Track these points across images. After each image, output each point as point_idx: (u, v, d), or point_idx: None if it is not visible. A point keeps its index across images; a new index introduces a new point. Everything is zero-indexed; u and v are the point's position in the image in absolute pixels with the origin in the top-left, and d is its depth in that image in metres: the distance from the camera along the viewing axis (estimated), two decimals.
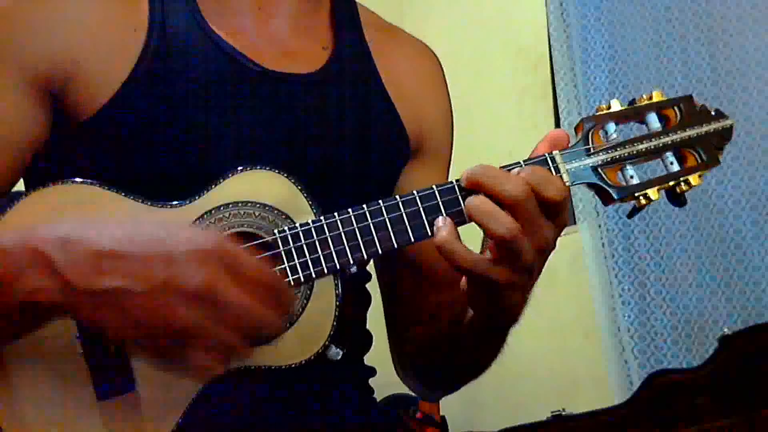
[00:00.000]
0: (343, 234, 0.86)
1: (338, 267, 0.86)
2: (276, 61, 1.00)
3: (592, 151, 0.90)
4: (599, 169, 0.90)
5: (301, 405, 0.97)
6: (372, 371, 1.10)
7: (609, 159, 0.90)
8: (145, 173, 0.92)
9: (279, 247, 0.86)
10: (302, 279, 0.86)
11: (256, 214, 0.88)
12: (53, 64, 0.91)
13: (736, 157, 2.20)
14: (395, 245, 0.87)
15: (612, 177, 0.91)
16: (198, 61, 0.96)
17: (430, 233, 0.86)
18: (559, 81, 2.49)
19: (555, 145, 0.88)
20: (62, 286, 0.74)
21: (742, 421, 1.82)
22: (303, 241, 0.86)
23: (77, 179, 0.86)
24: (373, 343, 1.11)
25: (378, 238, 0.86)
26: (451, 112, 1.17)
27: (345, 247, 0.86)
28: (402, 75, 1.10)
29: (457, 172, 1.16)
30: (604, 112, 0.91)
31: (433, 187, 0.87)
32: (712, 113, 0.94)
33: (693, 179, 0.92)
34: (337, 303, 0.88)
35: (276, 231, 0.87)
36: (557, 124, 2.47)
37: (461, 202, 0.86)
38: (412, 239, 0.87)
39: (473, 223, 0.83)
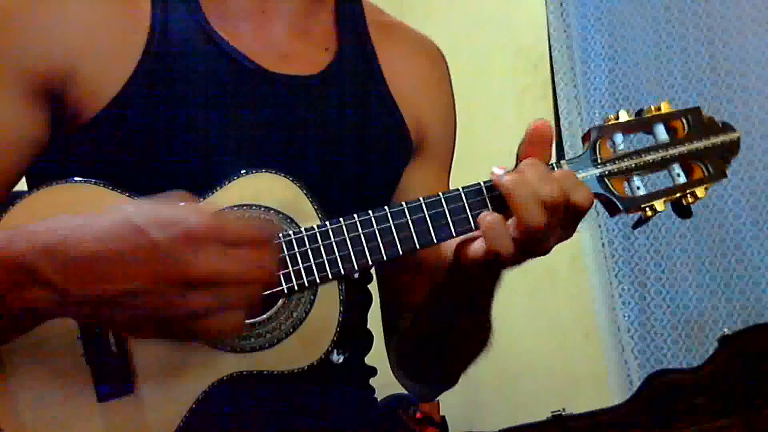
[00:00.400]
0: (348, 239, 0.86)
1: (343, 273, 0.86)
2: (278, 63, 0.99)
3: (599, 161, 0.90)
4: (606, 180, 0.90)
5: (302, 405, 0.96)
6: (373, 371, 1.10)
7: (616, 170, 0.90)
8: (145, 175, 0.91)
9: (283, 252, 0.86)
10: (306, 284, 0.86)
11: (261, 217, 0.88)
12: (53, 65, 0.91)
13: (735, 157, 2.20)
14: (400, 252, 0.87)
15: (618, 188, 0.91)
16: (199, 62, 0.95)
17: (435, 240, 0.86)
18: (559, 81, 2.49)
19: (538, 140, 0.88)
20: (60, 295, 0.72)
21: (742, 421, 1.82)
22: (308, 245, 0.86)
23: (78, 178, 0.86)
24: (374, 343, 1.11)
25: (383, 245, 0.86)
26: (455, 110, 1.16)
27: (350, 253, 0.86)
28: (406, 73, 1.09)
29: (457, 173, 1.16)
30: (612, 122, 0.91)
31: (440, 194, 0.87)
32: (720, 125, 0.94)
33: (699, 192, 0.92)
34: (341, 309, 0.88)
35: (280, 235, 0.86)
36: (557, 124, 2.47)
37: (468, 209, 0.87)
38: (418, 246, 0.87)
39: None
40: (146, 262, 0.72)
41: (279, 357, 0.86)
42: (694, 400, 1.87)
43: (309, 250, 0.86)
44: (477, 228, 0.86)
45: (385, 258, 0.86)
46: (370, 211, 0.87)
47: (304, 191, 0.89)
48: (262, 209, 0.88)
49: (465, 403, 2.60)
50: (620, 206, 0.90)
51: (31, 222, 0.80)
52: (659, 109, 0.93)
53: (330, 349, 0.87)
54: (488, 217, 0.85)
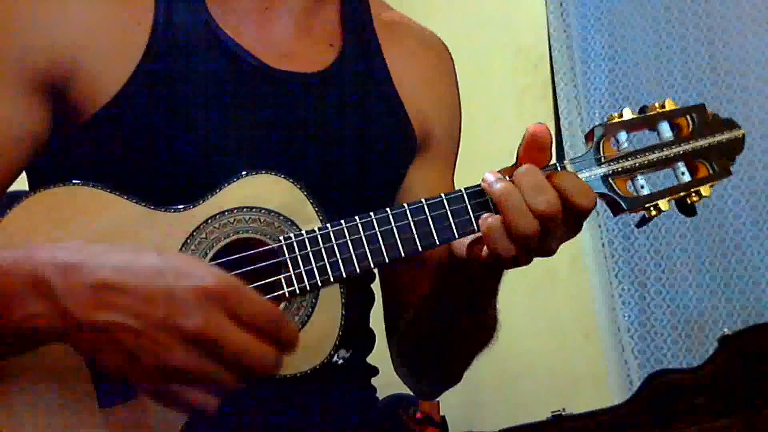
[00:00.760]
0: (349, 242, 0.86)
1: (344, 276, 0.86)
2: (282, 60, 0.99)
3: (602, 160, 0.89)
4: (610, 179, 0.89)
5: (303, 405, 0.96)
6: (375, 370, 1.09)
7: (620, 169, 0.89)
8: (147, 173, 0.91)
9: (285, 255, 0.85)
10: (308, 287, 0.85)
11: (261, 219, 0.87)
12: (54, 62, 0.91)
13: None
14: (402, 254, 0.86)
15: (622, 187, 0.90)
16: (203, 60, 0.95)
17: (438, 242, 0.86)
18: (559, 81, 2.49)
19: (536, 145, 0.87)
20: (61, 314, 0.73)
21: (742, 421, 1.82)
22: (309, 248, 0.86)
23: (78, 181, 0.85)
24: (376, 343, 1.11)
25: (385, 247, 0.86)
26: (460, 107, 1.16)
27: (352, 256, 0.85)
28: (411, 69, 1.09)
29: (457, 173, 1.16)
30: (616, 120, 0.90)
31: (441, 195, 0.87)
32: (724, 123, 0.93)
33: (704, 190, 0.91)
34: (343, 312, 0.87)
35: (282, 238, 0.86)
36: (557, 124, 2.47)
37: (470, 211, 0.86)
38: (420, 248, 0.86)
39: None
40: (153, 302, 0.72)
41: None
42: (694, 400, 1.87)
43: (310, 253, 0.86)
44: (479, 229, 0.86)
45: (387, 260, 0.86)
46: (371, 213, 0.86)
47: (305, 193, 0.89)
48: (263, 211, 0.87)
49: (465, 403, 2.60)
50: (624, 206, 0.89)
51: (30, 225, 0.80)
52: (663, 106, 0.92)
53: (333, 352, 0.87)
54: (489, 219, 0.85)
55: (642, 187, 0.90)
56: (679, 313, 2.33)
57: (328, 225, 0.86)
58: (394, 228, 0.86)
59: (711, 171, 0.92)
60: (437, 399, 2.50)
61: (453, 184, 1.14)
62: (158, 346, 0.72)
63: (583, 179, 0.88)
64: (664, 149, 0.91)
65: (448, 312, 0.99)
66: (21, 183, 0.97)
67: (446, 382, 1.14)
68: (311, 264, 0.85)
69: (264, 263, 0.86)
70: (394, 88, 1.06)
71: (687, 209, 0.92)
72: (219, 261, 0.85)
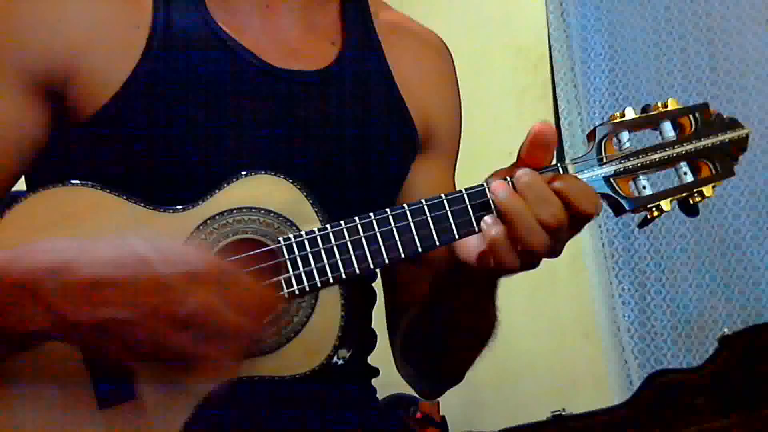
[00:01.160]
0: (349, 243, 0.85)
1: (344, 277, 0.85)
2: (283, 58, 0.98)
3: (604, 160, 0.89)
4: (612, 180, 0.89)
5: (303, 405, 0.96)
6: (375, 371, 1.09)
7: (622, 169, 0.89)
8: (146, 173, 0.91)
9: (284, 255, 0.85)
10: (307, 288, 0.85)
11: (261, 220, 0.87)
12: (53, 63, 0.90)
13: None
14: (402, 255, 0.86)
15: (624, 187, 0.89)
16: (203, 58, 0.94)
17: (438, 243, 0.86)
18: (559, 81, 2.49)
19: (541, 143, 0.87)
20: (55, 316, 0.73)
21: (742, 421, 1.83)
22: (309, 249, 0.85)
23: (76, 182, 0.85)
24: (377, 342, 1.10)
25: (385, 248, 0.85)
26: (460, 106, 1.15)
27: (351, 257, 0.85)
28: (412, 68, 1.08)
29: (456, 173, 1.15)
30: (618, 120, 0.89)
31: (442, 195, 0.86)
32: (728, 122, 0.92)
33: (706, 190, 0.90)
34: (343, 313, 0.87)
35: (281, 239, 0.86)
36: (557, 125, 2.47)
37: (471, 212, 0.86)
38: (420, 249, 0.86)
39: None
40: (145, 292, 0.73)
41: (280, 362, 0.86)
42: (694, 400, 1.87)
43: (309, 254, 0.85)
44: (480, 231, 0.86)
45: (387, 261, 0.85)
46: (371, 214, 0.86)
47: (305, 193, 0.88)
48: (262, 212, 0.87)
49: (465, 403, 2.60)
50: (627, 207, 0.89)
51: (29, 226, 0.80)
52: (666, 105, 0.91)
53: (332, 353, 0.87)
54: (493, 230, 0.84)
55: (644, 187, 0.89)
56: (679, 313, 2.33)
57: (328, 226, 0.86)
58: (394, 229, 0.86)
59: (714, 171, 0.91)
60: (437, 399, 2.50)
61: (454, 184, 1.14)
62: (155, 334, 0.73)
63: (585, 180, 0.88)
64: (667, 149, 0.90)
65: (450, 312, 0.99)
66: (20, 184, 0.97)
67: (448, 381, 1.14)
68: (311, 265, 0.85)
69: (263, 264, 0.85)
70: (396, 87, 1.06)
71: (690, 209, 0.91)
72: None
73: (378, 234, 0.86)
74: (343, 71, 1.02)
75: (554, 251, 0.87)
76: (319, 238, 0.85)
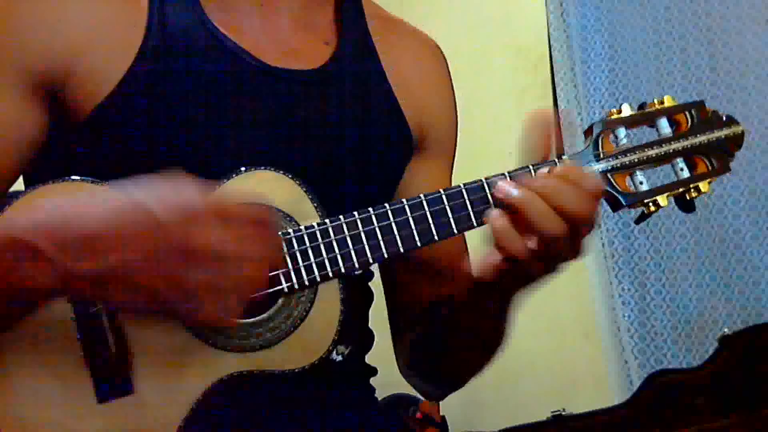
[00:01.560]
0: (348, 237, 0.85)
1: (343, 271, 0.86)
2: (278, 57, 0.98)
3: (601, 156, 0.89)
4: (608, 175, 0.89)
5: (302, 404, 0.96)
6: (373, 370, 1.09)
7: (619, 165, 0.90)
8: (144, 172, 0.91)
9: (284, 250, 0.85)
10: (306, 283, 0.85)
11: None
12: (50, 62, 0.90)
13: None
14: (401, 250, 0.86)
15: (621, 183, 0.90)
16: (198, 57, 0.94)
17: (437, 238, 0.86)
18: (559, 81, 2.49)
19: (540, 126, 0.88)
20: (57, 272, 0.73)
21: (742, 421, 1.83)
22: (308, 244, 0.86)
23: (76, 177, 0.85)
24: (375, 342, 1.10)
25: (384, 243, 0.85)
26: (456, 107, 1.16)
27: (350, 252, 0.85)
28: (406, 70, 1.09)
29: (456, 173, 1.15)
30: (615, 117, 0.90)
31: (440, 190, 0.87)
32: (724, 119, 0.93)
33: (702, 186, 0.91)
34: (341, 308, 0.87)
35: (280, 233, 0.86)
36: (557, 124, 2.47)
37: (469, 206, 0.86)
38: (419, 244, 0.86)
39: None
40: (147, 237, 0.73)
41: (279, 357, 0.86)
42: (694, 400, 1.87)
43: (309, 249, 0.85)
44: (479, 226, 0.86)
45: (386, 256, 0.86)
46: (370, 209, 0.86)
47: (304, 189, 0.88)
48: None
49: (465, 403, 2.60)
50: (624, 202, 0.89)
51: None
52: (662, 102, 0.92)
53: (331, 348, 0.87)
54: (498, 221, 0.85)
55: (641, 183, 0.90)
56: (679, 313, 2.33)
57: (327, 221, 0.86)
58: (393, 223, 0.86)
59: (710, 167, 0.92)
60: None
61: (451, 182, 1.14)
62: (166, 276, 0.73)
63: None
64: (663, 145, 0.91)
65: (470, 325, 0.99)
66: (19, 184, 0.97)
67: (455, 386, 1.14)
68: (310, 260, 0.85)
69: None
70: (390, 87, 1.06)
71: (686, 205, 0.92)
72: None
73: (377, 229, 0.86)
74: (338, 70, 1.02)
75: (575, 249, 0.86)
76: (318, 233, 0.85)
